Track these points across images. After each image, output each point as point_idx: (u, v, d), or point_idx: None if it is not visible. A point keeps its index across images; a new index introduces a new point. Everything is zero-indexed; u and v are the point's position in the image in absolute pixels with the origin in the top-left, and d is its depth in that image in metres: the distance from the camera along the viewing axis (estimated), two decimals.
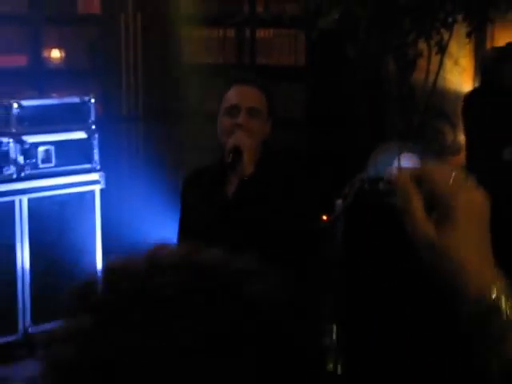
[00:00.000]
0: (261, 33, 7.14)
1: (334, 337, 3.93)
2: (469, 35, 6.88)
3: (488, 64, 7.57)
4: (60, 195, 6.71)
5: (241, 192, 3.94)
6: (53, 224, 6.61)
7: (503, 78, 7.32)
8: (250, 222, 3.83)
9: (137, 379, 0.98)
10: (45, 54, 9.07)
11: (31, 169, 6.61)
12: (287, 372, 1.03)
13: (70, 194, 6.77)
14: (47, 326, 6.53)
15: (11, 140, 6.54)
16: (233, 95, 3.91)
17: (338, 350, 4.00)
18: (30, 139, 6.62)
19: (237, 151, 3.79)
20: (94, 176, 6.87)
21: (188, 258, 1.09)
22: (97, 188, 6.88)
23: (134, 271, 1.06)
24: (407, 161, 6.48)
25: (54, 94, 7.40)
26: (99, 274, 1.09)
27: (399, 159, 6.45)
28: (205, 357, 0.98)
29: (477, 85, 8.06)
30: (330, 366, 4.02)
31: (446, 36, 6.52)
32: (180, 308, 1.01)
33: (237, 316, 1.01)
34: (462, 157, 7.65)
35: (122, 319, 1.00)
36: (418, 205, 1.41)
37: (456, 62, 7.92)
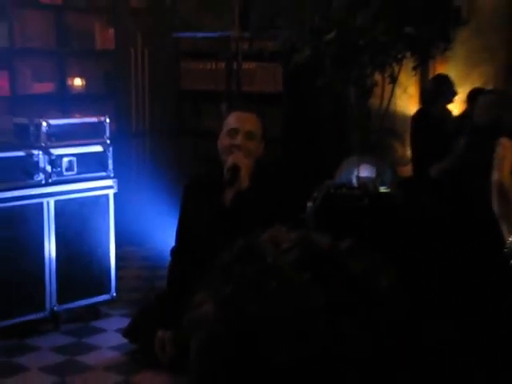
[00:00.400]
0: (246, 65, 7.14)
1: None
2: (415, 68, 6.89)
3: (426, 95, 7.67)
4: (80, 198, 6.72)
5: (238, 202, 3.94)
6: (74, 221, 6.63)
7: (437, 107, 7.43)
8: (245, 225, 3.76)
9: (274, 346, 0.98)
10: (69, 81, 9.06)
11: (57, 176, 6.61)
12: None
13: (88, 196, 6.78)
14: (70, 305, 6.59)
15: (41, 152, 6.54)
16: (233, 120, 3.90)
17: None
18: (56, 152, 6.62)
19: (235, 169, 3.77)
20: (109, 182, 6.89)
21: (303, 240, 1.07)
22: (111, 192, 6.89)
23: (261, 251, 1.06)
24: (365, 170, 6.54)
25: (76, 115, 7.42)
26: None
27: (359, 169, 6.51)
28: (330, 316, 0.98)
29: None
30: None
31: (396, 69, 6.54)
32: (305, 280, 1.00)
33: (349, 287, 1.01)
34: (409, 167, 7.70)
35: (258, 289, 1.00)
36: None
37: (405, 90, 7.97)
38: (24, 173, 6.48)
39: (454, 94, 7.61)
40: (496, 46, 8.44)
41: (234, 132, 3.87)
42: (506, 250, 1.26)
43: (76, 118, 7.21)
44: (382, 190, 6.51)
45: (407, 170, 7.74)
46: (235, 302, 1.00)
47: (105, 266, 6.79)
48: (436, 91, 7.57)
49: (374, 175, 6.54)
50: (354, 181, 6.53)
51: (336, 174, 6.79)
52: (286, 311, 0.98)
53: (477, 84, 7.82)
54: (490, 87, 7.64)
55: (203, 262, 3.89)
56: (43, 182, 6.54)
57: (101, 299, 6.75)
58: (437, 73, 7.92)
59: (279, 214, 3.84)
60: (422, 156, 7.26)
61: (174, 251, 4.98)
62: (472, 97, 7.44)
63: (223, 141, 3.94)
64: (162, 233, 7.28)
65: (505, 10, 8.36)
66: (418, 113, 7.77)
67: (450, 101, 7.64)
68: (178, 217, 4.54)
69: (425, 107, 7.70)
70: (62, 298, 6.55)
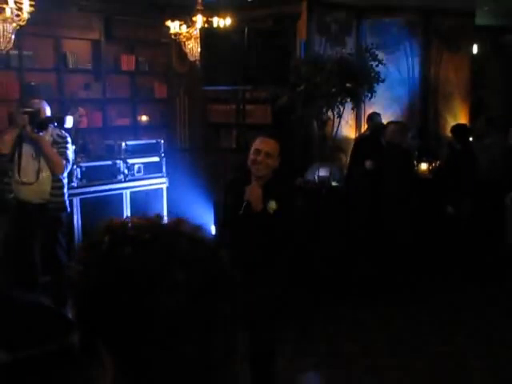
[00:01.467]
0: (248, 107, 7.07)
1: None
2: (353, 108, 6.86)
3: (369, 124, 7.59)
4: (145, 190, 6.68)
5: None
6: (142, 205, 6.57)
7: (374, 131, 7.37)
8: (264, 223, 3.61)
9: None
10: (138, 118, 9.00)
11: (131, 176, 6.57)
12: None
13: (150, 189, 6.74)
14: None
15: (121, 161, 6.50)
16: (258, 142, 3.66)
17: None
18: (131, 161, 6.58)
19: (249, 203, 3.59)
20: (163, 180, 6.85)
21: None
22: (164, 186, 6.85)
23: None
24: (323, 171, 6.48)
25: (143, 138, 7.36)
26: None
27: (318, 171, 6.43)
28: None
29: (357, 134, 8.09)
30: None
31: (342, 109, 6.48)
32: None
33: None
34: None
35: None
36: None
37: (347, 122, 7.89)
38: (111, 174, 6.43)
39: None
40: (401, 95, 8.43)
41: (257, 152, 3.68)
42: None
43: (142, 140, 7.16)
44: (333, 183, 6.46)
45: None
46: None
47: None
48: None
49: (328, 174, 6.47)
50: (316, 178, 6.46)
51: (305, 174, 6.74)
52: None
53: (391, 118, 7.76)
54: (397, 120, 7.57)
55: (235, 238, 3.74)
56: (122, 180, 6.51)
57: None
58: (367, 112, 7.84)
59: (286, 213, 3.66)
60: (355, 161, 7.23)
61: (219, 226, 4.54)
62: (385, 126, 7.41)
63: (251, 156, 3.68)
64: (198, 217, 7.24)
65: (404, 73, 8.34)
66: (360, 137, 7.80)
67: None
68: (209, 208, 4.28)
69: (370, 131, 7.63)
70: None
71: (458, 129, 7.13)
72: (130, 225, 0.96)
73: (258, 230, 3.59)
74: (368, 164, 6.53)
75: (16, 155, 4.98)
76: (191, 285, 0.87)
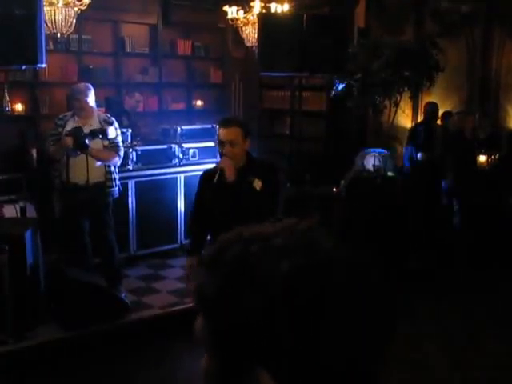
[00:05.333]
0: (303, 93, 7.04)
1: None
2: (411, 98, 6.77)
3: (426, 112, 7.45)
4: (200, 174, 6.73)
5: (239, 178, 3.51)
6: (196, 189, 6.61)
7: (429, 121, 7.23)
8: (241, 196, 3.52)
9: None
10: (193, 102, 9.06)
11: (185, 160, 6.64)
12: None
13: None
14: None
15: (176, 146, 6.57)
16: (219, 134, 3.53)
17: None
18: (186, 145, 6.64)
19: (222, 170, 3.50)
20: None
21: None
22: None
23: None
24: (375, 160, 6.42)
25: (198, 123, 7.41)
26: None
27: (374, 160, 6.37)
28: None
29: (414, 123, 7.97)
30: None
31: (398, 98, 6.41)
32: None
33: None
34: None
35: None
36: None
37: (403, 112, 7.77)
38: (166, 158, 6.51)
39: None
40: (460, 85, 8.23)
41: (221, 144, 3.52)
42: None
43: (197, 125, 7.20)
44: (389, 173, 6.40)
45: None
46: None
47: None
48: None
49: (381, 164, 6.41)
50: (371, 167, 6.41)
51: (356, 161, 6.70)
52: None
53: (448, 108, 7.61)
54: (456, 110, 7.43)
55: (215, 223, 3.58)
56: (177, 164, 6.58)
57: None
58: (423, 101, 7.70)
59: (265, 187, 3.55)
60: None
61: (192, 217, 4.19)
62: (443, 116, 7.28)
63: (219, 149, 3.58)
64: None
65: (465, 62, 8.13)
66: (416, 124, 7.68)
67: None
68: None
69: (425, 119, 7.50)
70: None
71: None
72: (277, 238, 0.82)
73: (241, 211, 3.44)
74: (421, 156, 6.45)
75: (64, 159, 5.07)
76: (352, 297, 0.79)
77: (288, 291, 0.76)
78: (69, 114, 5.25)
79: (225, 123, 3.63)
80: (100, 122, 5.13)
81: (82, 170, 4.97)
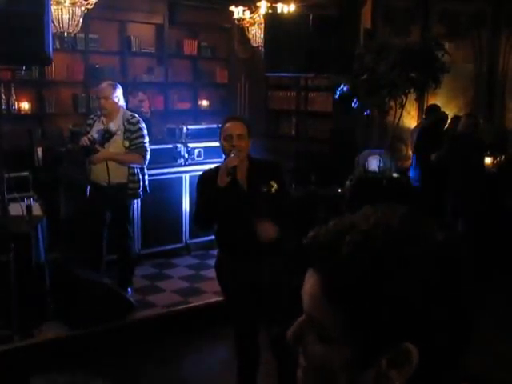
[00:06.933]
0: (309, 94, 7.05)
1: None
2: (417, 99, 6.77)
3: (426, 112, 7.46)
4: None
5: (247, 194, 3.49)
6: None
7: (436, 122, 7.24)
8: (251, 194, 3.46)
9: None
10: (199, 102, 9.10)
11: (191, 160, 6.64)
12: None
13: None
14: (197, 240, 6.60)
15: (182, 145, 6.57)
16: (227, 128, 3.49)
17: None
18: (191, 145, 6.65)
19: (234, 168, 3.38)
20: None
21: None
22: None
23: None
24: (375, 160, 6.43)
25: (203, 123, 7.41)
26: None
27: (380, 160, 6.37)
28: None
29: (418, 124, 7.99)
30: None
31: (404, 99, 6.41)
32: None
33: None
34: (408, 162, 7.53)
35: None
36: None
37: (408, 113, 7.78)
38: (172, 158, 6.52)
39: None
40: (466, 86, 8.22)
41: (229, 137, 3.46)
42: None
43: (203, 125, 7.20)
44: (394, 175, 6.40)
45: (407, 163, 7.59)
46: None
47: None
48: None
49: (386, 165, 6.42)
50: (375, 168, 6.42)
51: (359, 160, 6.71)
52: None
53: (454, 110, 7.63)
54: (461, 113, 7.43)
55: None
56: (183, 163, 6.58)
57: None
58: (429, 103, 7.71)
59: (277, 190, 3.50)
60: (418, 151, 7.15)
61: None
62: (453, 120, 7.29)
63: (225, 144, 3.51)
64: None
65: (471, 63, 8.13)
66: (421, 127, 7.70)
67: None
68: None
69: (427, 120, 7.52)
70: (193, 235, 6.58)
71: None
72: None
73: (259, 212, 3.42)
74: (434, 157, 6.45)
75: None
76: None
77: (443, 262, 0.82)
78: (98, 113, 5.29)
79: (231, 118, 3.66)
80: (123, 122, 5.13)
81: (103, 171, 5.02)
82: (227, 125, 3.55)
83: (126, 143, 5.09)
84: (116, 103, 5.14)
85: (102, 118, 5.17)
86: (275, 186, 3.49)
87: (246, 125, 3.55)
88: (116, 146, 5.07)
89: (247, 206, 3.46)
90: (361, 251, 0.81)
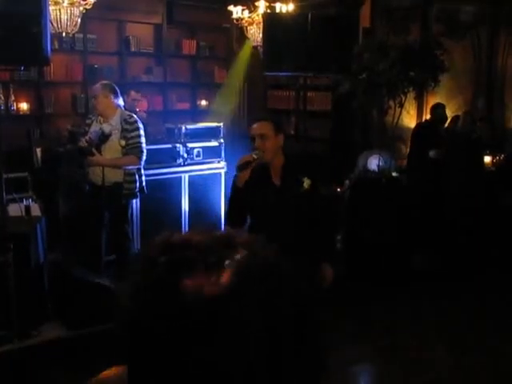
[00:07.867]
0: (308, 93, 7.04)
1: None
2: (416, 98, 6.77)
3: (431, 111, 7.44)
4: (204, 174, 6.73)
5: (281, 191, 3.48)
6: (200, 188, 6.64)
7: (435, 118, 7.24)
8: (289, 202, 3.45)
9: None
10: (198, 102, 9.09)
11: (190, 160, 6.63)
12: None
13: (209, 173, 6.78)
14: None
15: (181, 145, 6.56)
16: (252, 130, 3.45)
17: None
18: (190, 145, 6.64)
19: (243, 166, 3.33)
20: (221, 165, 6.86)
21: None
22: (222, 171, 6.87)
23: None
24: (375, 160, 6.42)
25: (202, 122, 7.41)
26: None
27: (379, 159, 6.37)
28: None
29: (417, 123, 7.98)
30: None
31: (403, 98, 6.38)
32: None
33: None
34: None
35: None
36: None
37: (408, 112, 7.77)
38: (171, 158, 6.51)
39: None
40: (465, 85, 8.22)
41: (253, 139, 3.44)
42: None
43: (201, 124, 7.19)
44: (393, 174, 6.40)
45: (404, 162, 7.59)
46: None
47: (217, 215, 6.76)
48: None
49: (386, 164, 6.41)
50: (374, 168, 6.41)
51: (360, 160, 6.71)
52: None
53: (453, 109, 7.62)
54: (460, 112, 7.42)
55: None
56: (182, 163, 6.58)
57: None
58: (428, 102, 7.71)
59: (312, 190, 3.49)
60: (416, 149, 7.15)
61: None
62: (453, 120, 7.29)
63: (253, 146, 3.47)
64: None
65: (470, 62, 8.13)
66: (419, 124, 7.69)
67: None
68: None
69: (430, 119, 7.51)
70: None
71: None
72: (192, 243, 0.77)
73: (292, 211, 3.43)
74: (432, 154, 6.44)
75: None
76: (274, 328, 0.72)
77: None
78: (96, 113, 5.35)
79: (256, 119, 3.62)
80: (120, 122, 5.15)
81: (97, 170, 5.08)
82: (252, 126, 3.54)
83: (123, 142, 5.12)
84: (109, 103, 5.16)
85: (99, 117, 5.21)
86: (308, 182, 3.46)
87: (270, 123, 3.50)
88: (112, 145, 5.11)
89: (279, 202, 3.45)
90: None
